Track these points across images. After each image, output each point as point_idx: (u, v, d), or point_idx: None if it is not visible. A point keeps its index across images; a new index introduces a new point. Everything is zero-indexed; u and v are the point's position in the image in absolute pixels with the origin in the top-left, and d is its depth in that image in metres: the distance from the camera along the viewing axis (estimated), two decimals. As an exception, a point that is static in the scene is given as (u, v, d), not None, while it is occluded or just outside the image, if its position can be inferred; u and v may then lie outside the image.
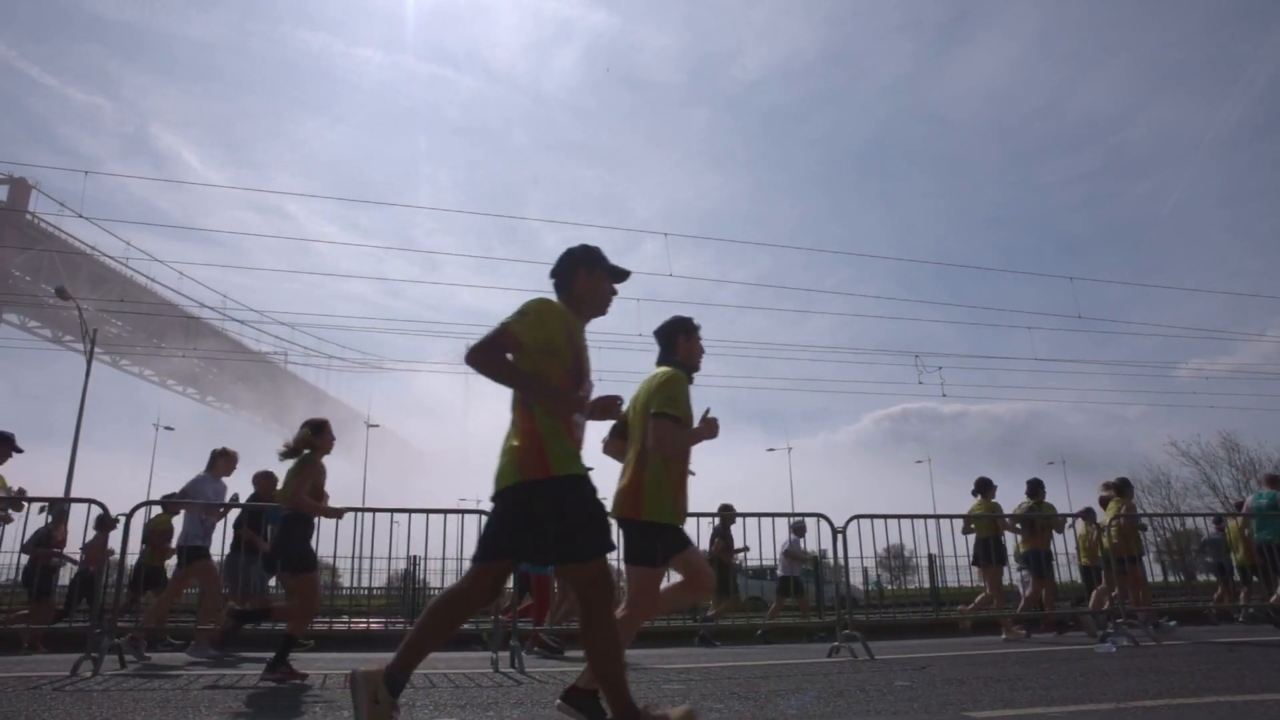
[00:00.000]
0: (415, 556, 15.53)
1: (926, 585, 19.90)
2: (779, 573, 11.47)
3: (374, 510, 6.44)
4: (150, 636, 7.96)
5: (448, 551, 6.88)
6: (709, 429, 3.34)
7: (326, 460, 5.00)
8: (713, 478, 3.51)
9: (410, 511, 6.43)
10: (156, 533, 8.54)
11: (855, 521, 6.78)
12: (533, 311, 2.56)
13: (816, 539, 11.58)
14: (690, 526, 3.55)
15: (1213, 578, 12.92)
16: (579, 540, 2.44)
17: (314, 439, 4.91)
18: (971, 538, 8.50)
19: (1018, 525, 8.65)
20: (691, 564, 3.35)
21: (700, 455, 3.56)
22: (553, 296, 2.72)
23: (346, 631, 8.25)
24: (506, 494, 2.49)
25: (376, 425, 47.87)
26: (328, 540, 6.16)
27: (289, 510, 4.81)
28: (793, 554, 11.27)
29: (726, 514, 8.86)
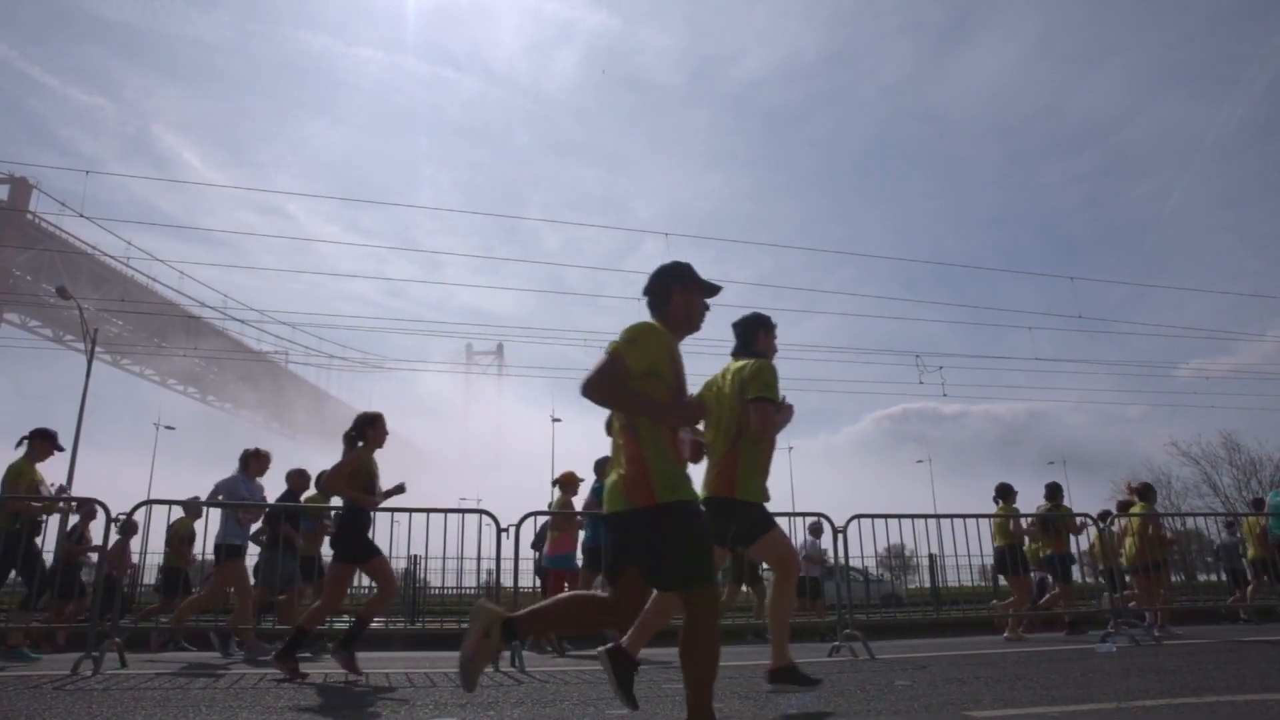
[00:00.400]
0: (416, 556, 15.55)
1: (927, 585, 19.91)
2: None
3: (374, 510, 6.42)
4: (165, 636, 7.99)
5: (448, 551, 6.87)
6: (787, 412, 3.62)
7: None
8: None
9: (410, 511, 6.42)
10: (179, 535, 8.53)
11: (855, 521, 6.78)
12: (640, 338, 2.60)
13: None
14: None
15: (1213, 577, 12.93)
16: (683, 568, 2.49)
17: (364, 430, 5.00)
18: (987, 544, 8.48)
19: (1030, 528, 8.65)
20: (775, 549, 3.55)
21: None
22: (648, 317, 2.77)
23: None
24: (613, 519, 2.56)
25: (377, 425, 47.75)
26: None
27: (348, 504, 4.90)
28: (811, 556, 11.35)
29: None
